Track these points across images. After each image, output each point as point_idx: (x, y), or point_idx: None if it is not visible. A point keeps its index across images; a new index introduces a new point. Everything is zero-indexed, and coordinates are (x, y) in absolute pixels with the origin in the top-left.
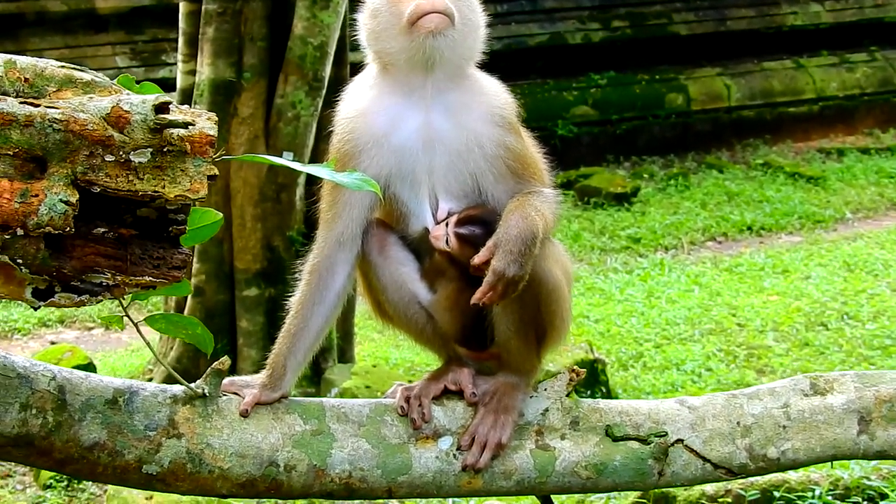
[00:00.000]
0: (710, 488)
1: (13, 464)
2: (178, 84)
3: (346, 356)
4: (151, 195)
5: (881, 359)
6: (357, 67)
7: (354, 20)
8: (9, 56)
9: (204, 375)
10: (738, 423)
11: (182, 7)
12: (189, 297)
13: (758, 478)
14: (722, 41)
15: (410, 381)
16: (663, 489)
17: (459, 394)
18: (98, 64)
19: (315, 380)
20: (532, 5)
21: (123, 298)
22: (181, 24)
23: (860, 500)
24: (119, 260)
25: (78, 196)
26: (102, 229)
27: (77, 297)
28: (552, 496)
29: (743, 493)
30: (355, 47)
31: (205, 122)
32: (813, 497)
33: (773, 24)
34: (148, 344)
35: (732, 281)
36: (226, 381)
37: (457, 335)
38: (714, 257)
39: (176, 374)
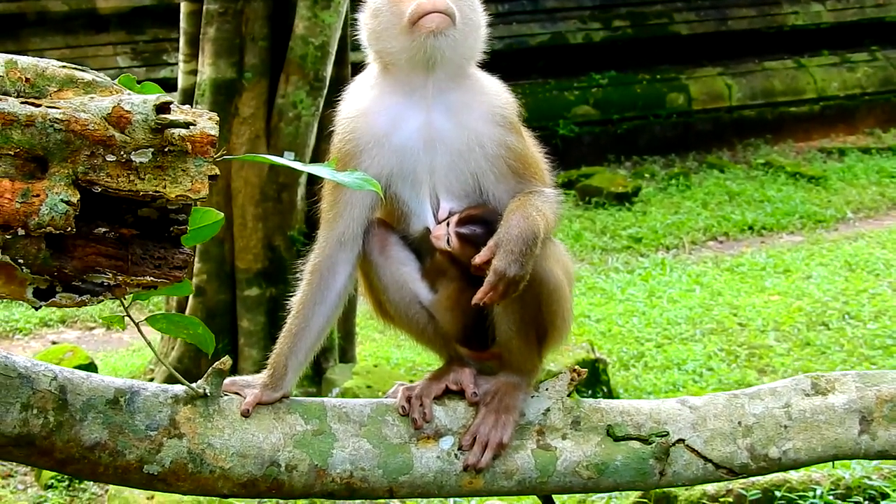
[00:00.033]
0: (711, 488)
1: (14, 464)
2: (180, 84)
3: (347, 356)
4: (152, 195)
5: (882, 358)
6: (358, 67)
7: (355, 20)
8: (10, 56)
9: (205, 375)
10: (739, 422)
11: (183, 7)
12: (190, 296)
13: (759, 478)
14: (723, 41)
15: (412, 381)
16: (664, 489)
17: (461, 394)
18: (99, 64)
19: (316, 380)
20: (533, 5)
21: (125, 298)
22: (182, 24)
23: (861, 499)
24: (120, 260)
25: (79, 196)
26: (103, 229)
27: (78, 297)
28: (553, 496)
29: (744, 492)
30: (356, 47)
31: (206, 122)
32: (814, 497)
33: (775, 24)
34: (149, 344)
35: (734, 281)
36: (227, 380)
37: (458, 335)
38: (715, 257)
39: (177, 373)
